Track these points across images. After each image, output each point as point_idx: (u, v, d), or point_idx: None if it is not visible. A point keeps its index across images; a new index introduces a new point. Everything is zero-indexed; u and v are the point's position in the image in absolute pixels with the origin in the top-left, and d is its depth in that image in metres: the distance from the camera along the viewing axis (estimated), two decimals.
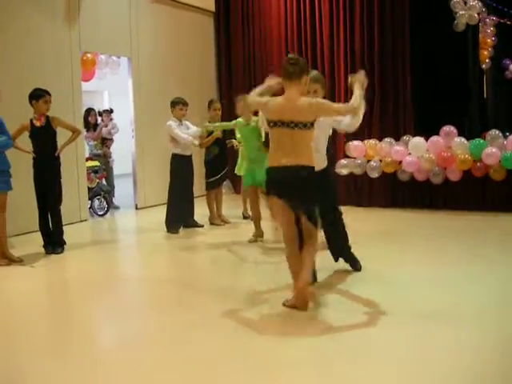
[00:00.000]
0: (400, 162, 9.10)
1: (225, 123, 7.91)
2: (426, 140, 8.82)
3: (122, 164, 11.43)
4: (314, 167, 4.49)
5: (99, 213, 9.67)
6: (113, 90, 15.25)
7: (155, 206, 10.06)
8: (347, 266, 5.69)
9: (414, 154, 8.89)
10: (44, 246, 7.00)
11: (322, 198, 4.74)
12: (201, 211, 8.56)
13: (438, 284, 5.29)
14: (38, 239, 7.08)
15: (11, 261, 6.54)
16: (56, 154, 6.88)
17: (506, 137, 8.47)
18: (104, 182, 10.08)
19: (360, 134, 9.17)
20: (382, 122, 9.90)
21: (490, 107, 9.45)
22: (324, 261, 5.45)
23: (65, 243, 7.10)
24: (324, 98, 5.05)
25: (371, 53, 10.01)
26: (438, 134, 8.79)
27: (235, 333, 4.23)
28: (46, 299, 5.46)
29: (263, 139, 7.18)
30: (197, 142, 7.99)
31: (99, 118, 10.63)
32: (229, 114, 10.04)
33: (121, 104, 11.31)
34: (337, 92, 10.24)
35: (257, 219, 7.22)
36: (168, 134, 7.92)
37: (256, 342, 4.06)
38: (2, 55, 7.83)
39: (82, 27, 9.14)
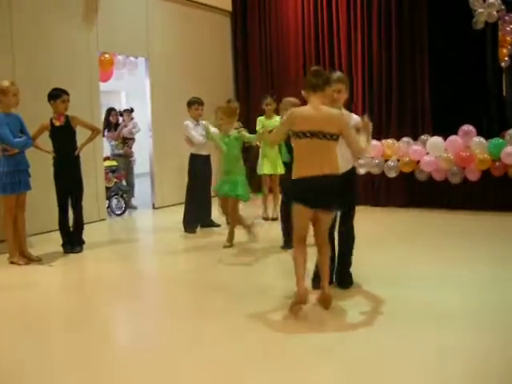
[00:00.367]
0: (418, 162, 9.05)
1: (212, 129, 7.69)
2: (445, 139, 8.77)
3: (139, 164, 11.46)
4: (340, 175, 4.54)
5: (117, 212, 9.72)
6: (130, 90, 15.30)
7: (172, 205, 10.09)
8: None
9: (432, 153, 8.85)
10: (63, 245, 7.04)
11: (345, 199, 4.74)
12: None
13: (454, 284, 5.27)
14: (56, 238, 7.12)
15: (30, 260, 6.59)
16: (76, 154, 6.93)
17: None
18: (124, 181, 10.14)
19: (378, 133, 9.16)
20: (399, 121, 9.86)
21: (509, 106, 9.33)
22: None
23: (84, 242, 7.15)
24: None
25: (389, 52, 9.98)
26: (456, 133, 8.74)
27: (251, 332, 4.23)
28: (64, 298, 5.49)
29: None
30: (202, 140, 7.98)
31: (120, 118, 10.69)
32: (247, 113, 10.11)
33: (138, 104, 11.35)
34: (354, 92, 10.19)
35: (234, 226, 7.14)
36: (184, 134, 7.97)
37: (270, 341, 4.06)
38: (21, 56, 7.89)
39: (100, 28, 9.19)
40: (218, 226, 8.33)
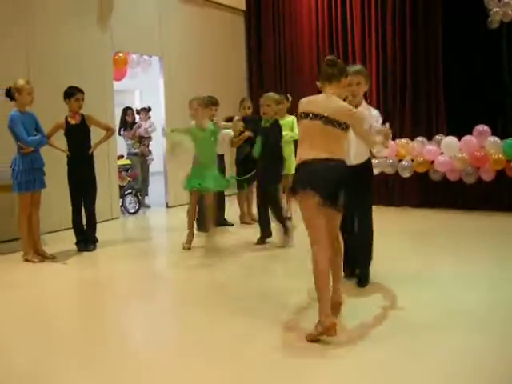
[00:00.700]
0: (432, 162, 9.01)
1: (181, 128, 7.56)
2: (459, 139, 8.72)
3: (153, 162, 11.48)
4: (344, 161, 4.14)
5: (130, 211, 9.75)
6: (144, 89, 15.34)
7: (186, 204, 10.09)
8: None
9: (447, 153, 8.80)
10: (76, 244, 7.07)
11: (359, 192, 4.61)
12: (231, 210, 8.58)
13: (468, 284, 5.25)
14: (70, 236, 7.15)
15: (44, 258, 6.63)
16: (90, 152, 6.96)
17: None
18: (139, 180, 10.17)
19: (392, 133, 9.11)
20: (414, 121, 9.82)
21: None
22: None
23: (97, 241, 7.17)
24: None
25: (403, 51, 9.94)
26: (470, 133, 8.69)
27: (262, 333, 4.22)
28: (78, 296, 5.51)
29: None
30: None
31: (137, 117, 10.72)
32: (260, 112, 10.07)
33: (152, 103, 11.36)
34: (368, 91, 10.13)
35: (191, 224, 7.08)
36: None
37: (282, 345, 4.05)
38: (35, 55, 7.93)
39: (114, 27, 9.22)
40: (231, 225, 8.34)
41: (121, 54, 10.40)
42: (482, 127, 8.62)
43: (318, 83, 4.36)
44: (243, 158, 8.32)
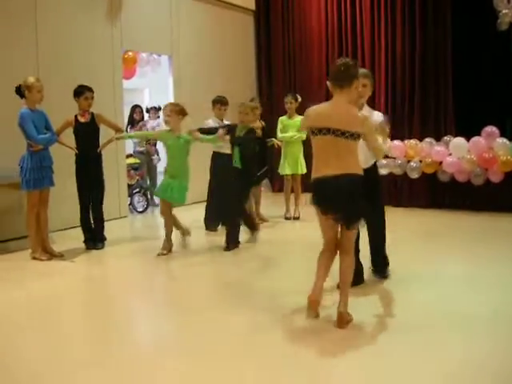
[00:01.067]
0: (440, 163, 8.99)
1: (148, 132, 7.49)
2: (468, 140, 8.70)
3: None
4: (360, 174, 4.22)
5: (139, 209, 9.77)
6: (153, 87, 15.35)
7: (194, 203, 10.12)
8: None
9: (455, 154, 8.78)
10: (85, 242, 7.10)
11: (370, 196, 4.61)
12: None
13: (476, 286, 5.24)
14: (78, 235, 7.19)
15: (52, 256, 6.66)
16: (98, 151, 6.99)
17: None
18: (148, 179, 10.19)
19: (400, 133, 9.13)
20: (422, 121, 9.82)
21: None
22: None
23: (105, 239, 7.20)
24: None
25: (412, 52, 9.94)
26: (479, 134, 8.67)
27: (272, 333, 4.24)
28: (85, 294, 5.53)
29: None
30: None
31: (146, 115, 10.73)
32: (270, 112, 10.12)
33: (161, 102, 11.36)
34: (377, 92, 10.14)
35: (169, 232, 6.82)
36: None
37: (290, 344, 4.06)
38: (44, 53, 7.97)
39: (124, 26, 9.25)
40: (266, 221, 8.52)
41: (130, 53, 10.42)
42: (490, 128, 8.60)
43: (327, 83, 4.34)
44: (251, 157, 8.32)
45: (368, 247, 5.45)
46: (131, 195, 9.74)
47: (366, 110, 5.10)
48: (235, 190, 6.94)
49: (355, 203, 4.13)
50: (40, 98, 6.43)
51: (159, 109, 10.75)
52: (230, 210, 7.02)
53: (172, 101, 10.34)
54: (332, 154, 4.14)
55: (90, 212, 7.10)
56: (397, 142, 9.16)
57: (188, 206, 10.12)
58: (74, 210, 7.13)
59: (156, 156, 10.65)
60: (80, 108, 6.91)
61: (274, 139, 8.69)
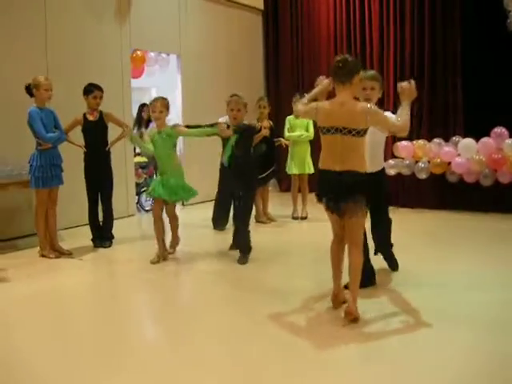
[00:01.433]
0: (449, 164, 8.96)
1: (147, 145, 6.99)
2: (477, 141, 8.67)
3: None
4: (364, 173, 4.30)
5: (146, 208, 9.78)
6: (161, 86, 15.36)
7: (201, 202, 10.12)
8: (384, 265, 5.69)
9: (464, 155, 8.75)
10: (93, 240, 7.12)
11: (374, 199, 4.62)
12: None
13: (484, 288, 5.22)
14: (87, 233, 7.20)
15: (61, 253, 6.68)
16: (107, 149, 7.00)
17: None
18: (155, 177, 10.19)
19: (409, 134, 9.06)
20: (431, 122, 9.78)
21: None
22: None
23: (113, 237, 7.21)
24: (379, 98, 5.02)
25: (421, 52, 9.91)
26: (488, 135, 8.63)
27: (280, 334, 4.23)
28: (94, 292, 5.53)
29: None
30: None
31: None
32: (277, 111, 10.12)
33: (169, 101, 11.37)
34: (385, 92, 10.12)
35: (160, 236, 6.46)
36: None
37: (299, 344, 4.05)
38: (54, 53, 7.98)
39: (133, 25, 9.27)
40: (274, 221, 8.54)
41: (139, 52, 10.43)
42: (499, 129, 8.56)
43: (331, 80, 4.45)
44: (259, 156, 8.31)
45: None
46: (139, 194, 9.74)
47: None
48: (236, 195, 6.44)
49: (353, 196, 4.25)
50: (48, 96, 6.44)
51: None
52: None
53: (181, 100, 10.39)
54: (338, 150, 4.27)
55: (99, 210, 7.11)
56: (405, 143, 9.14)
57: (196, 204, 10.18)
58: (83, 207, 7.15)
59: None
60: (89, 106, 6.93)
61: (281, 139, 8.69)
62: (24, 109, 6.43)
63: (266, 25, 12.41)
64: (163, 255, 6.44)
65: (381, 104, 5.24)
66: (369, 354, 3.83)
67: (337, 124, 4.24)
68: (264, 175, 8.31)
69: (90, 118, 6.92)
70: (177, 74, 10.50)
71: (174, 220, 6.73)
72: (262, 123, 8.03)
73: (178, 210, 9.98)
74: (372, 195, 4.41)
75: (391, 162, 9.29)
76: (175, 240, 6.76)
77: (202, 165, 10.25)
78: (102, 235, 7.14)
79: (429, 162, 9.14)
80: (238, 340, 4.12)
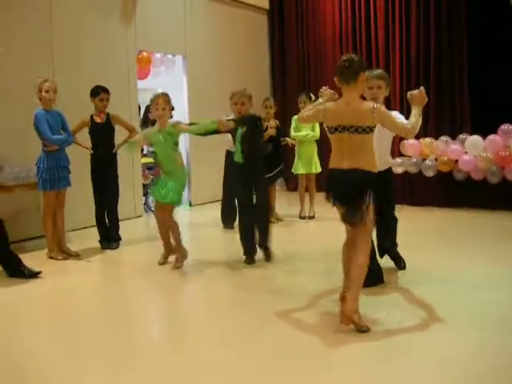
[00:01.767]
0: (456, 161, 8.94)
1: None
2: (484, 139, 8.64)
3: None
4: (372, 172, 4.27)
5: (153, 209, 9.76)
6: (167, 87, 15.37)
7: (210, 202, 10.14)
8: (392, 264, 5.71)
9: (471, 152, 8.72)
10: (100, 241, 7.14)
11: (381, 198, 4.60)
12: None
13: (493, 286, 5.20)
14: (94, 234, 7.22)
15: (68, 255, 6.69)
16: (114, 151, 7.02)
17: None
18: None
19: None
20: (438, 120, 9.75)
21: None
22: None
23: (120, 239, 7.23)
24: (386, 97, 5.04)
25: (427, 50, 9.88)
26: (495, 132, 8.60)
27: (289, 333, 4.23)
28: (102, 293, 5.54)
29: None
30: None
31: None
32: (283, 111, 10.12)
33: (175, 102, 11.36)
34: (392, 91, 10.08)
35: (163, 237, 6.34)
36: None
37: (308, 342, 4.04)
38: (60, 53, 8.00)
39: (138, 26, 9.28)
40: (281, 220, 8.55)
41: (144, 53, 10.45)
42: (507, 126, 8.53)
43: (335, 79, 4.39)
44: (266, 156, 8.31)
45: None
46: (146, 195, 9.76)
47: None
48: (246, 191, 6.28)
49: (360, 195, 4.19)
50: (49, 98, 6.40)
51: (173, 109, 10.72)
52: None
53: (187, 101, 10.39)
54: (346, 148, 4.27)
55: (106, 212, 7.13)
56: (412, 141, 9.11)
57: (204, 204, 10.20)
58: (91, 209, 7.17)
59: None
60: (95, 108, 6.95)
61: (287, 138, 8.69)
62: (31, 111, 6.44)
63: (271, 24, 12.40)
64: (169, 256, 6.38)
65: (388, 103, 5.20)
66: (377, 352, 3.82)
67: (343, 122, 4.24)
68: (271, 174, 8.30)
69: (98, 119, 6.94)
70: (183, 75, 10.51)
71: (170, 228, 6.29)
72: (268, 123, 8.01)
73: (184, 211, 10.02)
74: (378, 194, 4.38)
75: (398, 160, 9.28)
76: (178, 251, 6.27)
77: (208, 164, 10.26)
78: (109, 237, 7.15)
79: (436, 159, 9.12)
80: (245, 341, 4.11)
